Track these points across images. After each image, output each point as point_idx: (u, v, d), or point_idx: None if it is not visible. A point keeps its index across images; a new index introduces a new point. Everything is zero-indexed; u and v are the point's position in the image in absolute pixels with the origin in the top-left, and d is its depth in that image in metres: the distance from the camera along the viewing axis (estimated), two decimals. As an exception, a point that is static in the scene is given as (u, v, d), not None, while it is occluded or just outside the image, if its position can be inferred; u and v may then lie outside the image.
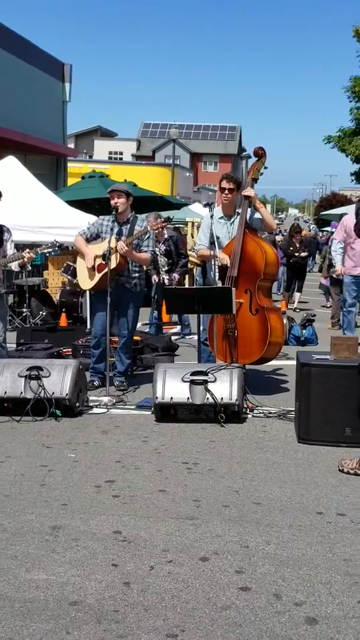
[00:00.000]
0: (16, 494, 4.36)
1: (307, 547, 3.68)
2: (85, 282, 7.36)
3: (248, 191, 7.10)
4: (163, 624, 2.93)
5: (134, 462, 5.01)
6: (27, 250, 6.98)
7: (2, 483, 4.55)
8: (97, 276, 7.14)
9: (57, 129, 22.67)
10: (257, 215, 7.22)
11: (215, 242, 6.98)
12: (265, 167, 7.35)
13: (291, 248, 15.72)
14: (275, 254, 7.34)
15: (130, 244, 6.99)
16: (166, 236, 10.33)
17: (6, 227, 7.26)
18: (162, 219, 7.38)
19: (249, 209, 7.11)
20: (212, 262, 7.12)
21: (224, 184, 7.17)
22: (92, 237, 7.35)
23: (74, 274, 11.84)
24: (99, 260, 7.11)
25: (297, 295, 15.92)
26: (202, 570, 3.40)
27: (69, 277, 11.95)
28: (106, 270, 6.88)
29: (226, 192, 7.16)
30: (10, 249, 7.14)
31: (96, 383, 7.26)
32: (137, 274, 7.27)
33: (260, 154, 7.31)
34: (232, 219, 7.18)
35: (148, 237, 7.19)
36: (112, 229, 7.16)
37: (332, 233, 20.06)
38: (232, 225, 7.16)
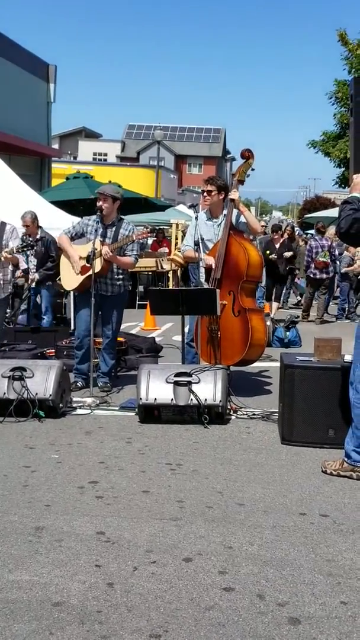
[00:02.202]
0: (-1, 495, 4.34)
1: (290, 548, 3.69)
2: (69, 282, 7.38)
3: (233, 193, 7.13)
4: (146, 624, 2.93)
5: (118, 463, 5.01)
6: (5, 250, 7.10)
7: (-16, 484, 4.53)
8: (81, 278, 7.15)
9: (42, 129, 22.61)
10: (242, 218, 7.26)
11: (200, 244, 7.02)
12: (253, 169, 7.36)
13: (267, 251, 13.69)
14: (260, 256, 7.38)
15: (114, 250, 7.02)
16: (38, 236, 9.86)
17: (10, 226, 7.35)
18: (148, 229, 7.38)
19: (235, 211, 7.14)
20: (198, 264, 7.16)
21: (203, 187, 7.32)
22: (77, 236, 7.36)
23: (58, 274, 11.82)
24: (82, 262, 7.11)
25: (274, 304, 14.05)
26: (185, 571, 3.40)
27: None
28: (89, 273, 6.90)
29: (204, 194, 7.26)
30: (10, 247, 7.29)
31: (80, 384, 7.25)
32: (121, 276, 7.29)
33: (247, 155, 7.31)
34: (220, 221, 7.20)
35: (133, 242, 7.20)
36: (96, 230, 7.17)
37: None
38: (219, 227, 7.18)
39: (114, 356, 7.49)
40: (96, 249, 6.87)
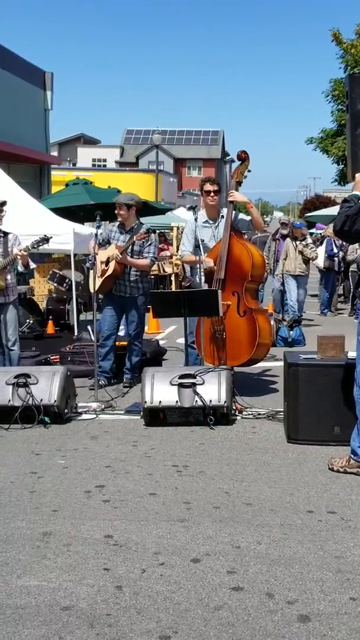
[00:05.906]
0: (6, 501, 4.34)
1: (298, 546, 3.68)
2: (92, 285, 7.86)
3: (233, 195, 7.12)
4: (156, 626, 2.93)
5: (124, 467, 5.01)
6: (21, 249, 7.17)
7: (-9, 491, 4.53)
8: (99, 280, 7.64)
9: (40, 137, 22.62)
10: (241, 216, 7.28)
11: (200, 246, 7.01)
12: (249, 170, 7.37)
13: None
14: (262, 256, 7.42)
15: (123, 252, 7.40)
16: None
17: (12, 234, 7.44)
18: (145, 231, 7.55)
19: (232, 211, 7.14)
20: (198, 267, 7.19)
21: (209, 187, 7.20)
22: (105, 242, 7.79)
23: (60, 281, 11.86)
24: (104, 265, 7.63)
25: None
26: (194, 572, 3.40)
27: (55, 284, 11.93)
28: (106, 275, 7.49)
29: (212, 194, 7.19)
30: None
31: (102, 382, 7.46)
32: (136, 278, 7.62)
33: (243, 157, 7.33)
34: (217, 222, 7.21)
35: (150, 244, 7.61)
36: (114, 235, 7.68)
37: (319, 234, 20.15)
38: (217, 229, 7.18)
39: (138, 353, 7.84)
40: (109, 256, 7.49)
